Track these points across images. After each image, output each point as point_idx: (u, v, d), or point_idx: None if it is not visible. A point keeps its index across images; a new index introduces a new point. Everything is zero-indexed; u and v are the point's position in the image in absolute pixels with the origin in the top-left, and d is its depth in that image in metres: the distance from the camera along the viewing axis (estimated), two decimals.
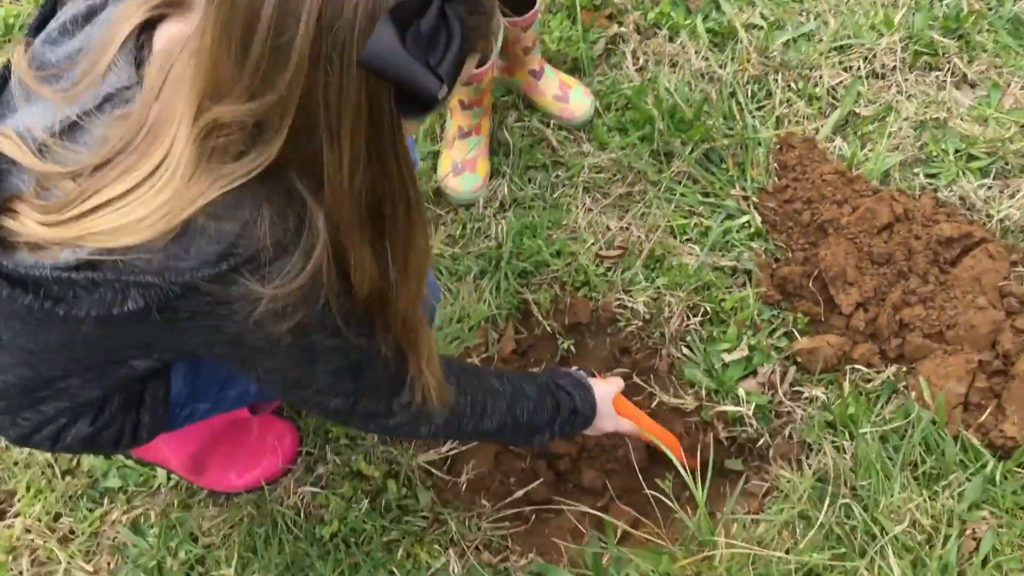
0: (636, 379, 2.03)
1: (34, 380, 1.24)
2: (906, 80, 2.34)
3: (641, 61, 2.45)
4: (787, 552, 1.70)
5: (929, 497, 1.78)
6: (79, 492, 1.94)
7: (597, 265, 2.12)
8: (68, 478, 1.95)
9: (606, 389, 1.74)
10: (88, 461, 1.96)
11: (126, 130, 1.02)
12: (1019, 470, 1.81)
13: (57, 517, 1.92)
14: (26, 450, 1.97)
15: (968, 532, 1.74)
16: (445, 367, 1.35)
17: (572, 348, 2.08)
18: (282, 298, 1.02)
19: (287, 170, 1.01)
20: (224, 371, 1.48)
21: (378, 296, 1.13)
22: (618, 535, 1.81)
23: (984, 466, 1.80)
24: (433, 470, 1.92)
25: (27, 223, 1.02)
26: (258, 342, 1.08)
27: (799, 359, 1.97)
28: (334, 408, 1.28)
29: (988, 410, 1.85)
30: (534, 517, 1.95)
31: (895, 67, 2.36)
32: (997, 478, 1.79)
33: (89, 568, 1.85)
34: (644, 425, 1.82)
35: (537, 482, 1.93)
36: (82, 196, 1.00)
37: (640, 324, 2.05)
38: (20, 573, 1.85)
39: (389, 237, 1.10)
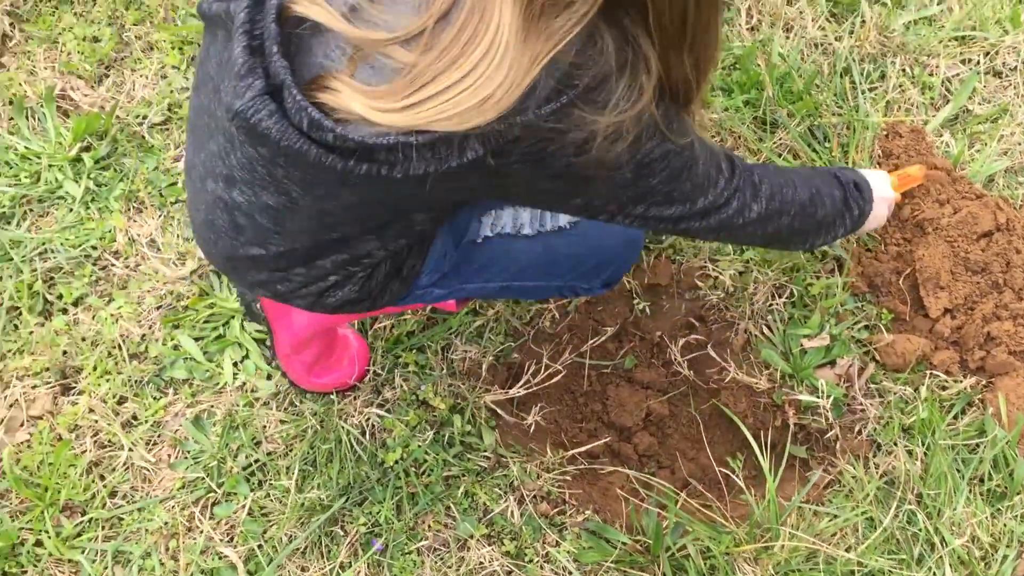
0: (710, 351, 2.01)
1: (321, 240, 1.25)
2: None
3: (755, 20, 2.37)
4: (847, 551, 1.71)
5: (992, 514, 1.78)
6: (145, 378, 1.94)
7: None
8: (135, 362, 1.95)
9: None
10: (156, 348, 1.95)
11: None
12: None
13: (122, 401, 1.92)
14: (95, 328, 1.97)
15: None
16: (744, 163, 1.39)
17: (647, 309, 2.06)
18: (615, 124, 1.02)
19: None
20: (476, 263, 1.53)
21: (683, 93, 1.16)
22: (678, 504, 1.81)
23: None
24: (499, 410, 1.92)
25: (353, 106, 0.97)
26: (588, 170, 1.07)
27: (878, 355, 1.95)
28: (674, 216, 1.27)
29: None
30: (589, 472, 1.96)
31: (1016, 67, 2.29)
32: None
33: (151, 457, 1.86)
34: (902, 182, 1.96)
35: (602, 440, 1.93)
36: (414, 84, 0.96)
37: (722, 295, 2.03)
38: (83, 452, 1.86)
39: (692, 35, 1.09)
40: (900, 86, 2.27)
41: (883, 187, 1.79)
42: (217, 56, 1.14)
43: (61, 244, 2.05)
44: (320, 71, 1.02)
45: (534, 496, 1.84)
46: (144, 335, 1.98)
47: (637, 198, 1.21)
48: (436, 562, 1.78)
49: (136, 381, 1.94)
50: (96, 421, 1.89)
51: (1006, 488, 1.81)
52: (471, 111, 0.95)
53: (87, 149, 2.16)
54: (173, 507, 1.82)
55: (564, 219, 1.60)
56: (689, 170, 1.23)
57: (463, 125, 0.96)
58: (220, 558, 1.77)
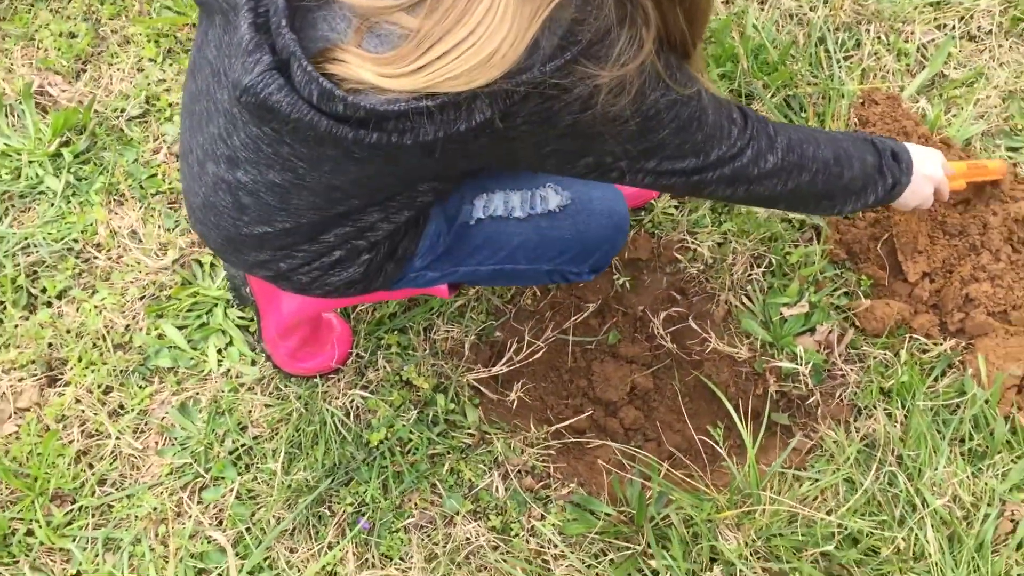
0: (691, 323, 2.02)
1: (327, 215, 1.27)
2: (1000, 46, 2.27)
3: None
4: (828, 514, 1.72)
5: (973, 474, 1.79)
6: (130, 368, 1.95)
7: (664, 202, 2.09)
8: (120, 352, 1.97)
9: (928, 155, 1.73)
10: (141, 338, 1.97)
11: None
12: None
13: (108, 391, 1.94)
14: (80, 320, 1.98)
15: (1007, 513, 1.76)
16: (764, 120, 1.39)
17: (627, 284, 2.07)
18: (618, 77, 1.04)
19: None
20: (468, 246, 1.53)
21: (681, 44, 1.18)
22: (661, 474, 1.83)
23: None
24: (482, 388, 1.93)
25: (362, 74, 1.00)
26: (595, 126, 1.09)
27: (858, 321, 1.96)
28: (688, 169, 1.26)
29: None
30: (575, 447, 1.98)
31: (991, 31, 2.29)
32: None
33: (138, 445, 1.88)
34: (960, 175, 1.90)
35: (585, 415, 1.95)
36: (421, 47, 0.98)
37: (701, 268, 2.04)
38: (71, 442, 1.88)
39: None
40: (875, 53, 2.27)
41: (929, 165, 1.72)
42: (216, 40, 1.15)
43: (43, 238, 2.06)
44: (326, 44, 1.04)
45: (518, 471, 1.86)
46: (128, 325, 1.99)
47: (647, 152, 1.21)
48: (423, 539, 1.79)
49: (121, 371, 1.95)
50: (83, 411, 1.90)
51: (987, 447, 1.82)
52: (478, 68, 0.97)
53: (66, 144, 2.18)
54: (161, 493, 1.84)
55: (553, 203, 1.61)
56: (699, 120, 1.22)
57: (471, 83, 0.98)
58: (209, 542, 1.79)
